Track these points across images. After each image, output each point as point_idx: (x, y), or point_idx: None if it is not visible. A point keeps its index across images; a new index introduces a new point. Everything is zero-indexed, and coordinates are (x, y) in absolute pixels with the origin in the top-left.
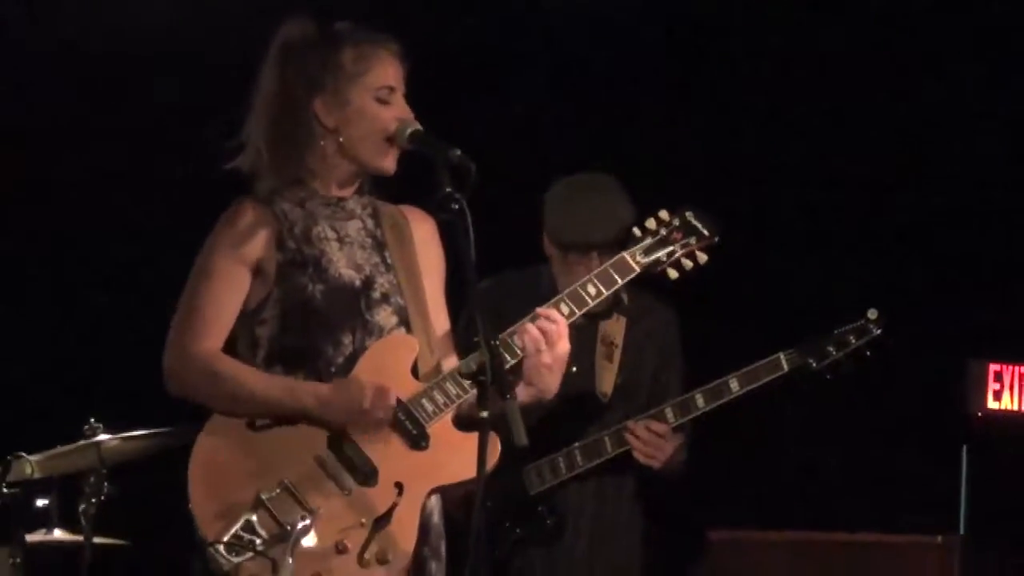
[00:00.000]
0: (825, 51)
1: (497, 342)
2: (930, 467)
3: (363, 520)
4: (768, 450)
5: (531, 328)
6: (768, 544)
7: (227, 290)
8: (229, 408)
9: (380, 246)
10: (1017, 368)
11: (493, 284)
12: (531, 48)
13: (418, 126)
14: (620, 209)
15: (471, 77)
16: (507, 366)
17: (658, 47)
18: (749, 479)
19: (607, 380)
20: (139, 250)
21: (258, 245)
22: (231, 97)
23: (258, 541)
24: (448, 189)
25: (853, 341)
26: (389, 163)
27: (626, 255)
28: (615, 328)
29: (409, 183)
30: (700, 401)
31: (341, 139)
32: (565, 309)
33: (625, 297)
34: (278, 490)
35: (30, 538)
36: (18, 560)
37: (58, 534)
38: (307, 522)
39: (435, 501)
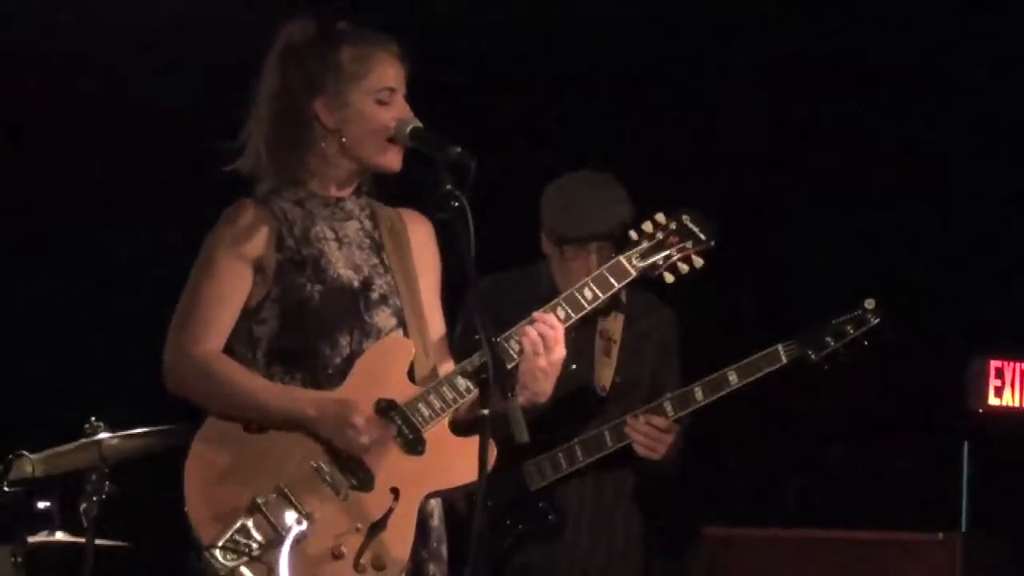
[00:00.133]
0: (826, 46)
1: (498, 340)
2: (931, 464)
3: (359, 525)
4: (769, 447)
5: (530, 331)
6: (769, 541)
7: (228, 290)
8: (226, 410)
9: (378, 247)
10: (1018, 365)
11: (490, 284)
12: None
13: (418, 123)
14: (618, 202)
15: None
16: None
17: (659, 42)
18: (750, 476)
19: (605, 376)
20: (141, 249)
21: (258, 244)
22: (231, 98)
23: (253, 545)
24: (448, 187)
25: (851, 331)
26: (393, 160)
27: (622, 259)
28: (613, 325)
29: (409, 183)
30: (699, 394)
31: (344, 139)
32: (561, 313)
33: (623, 294)
34: (274, 494)
35: (32, 540)
36: (19, 559)
37: (60, 536)
38: (302, 527)
39: (435, 504)
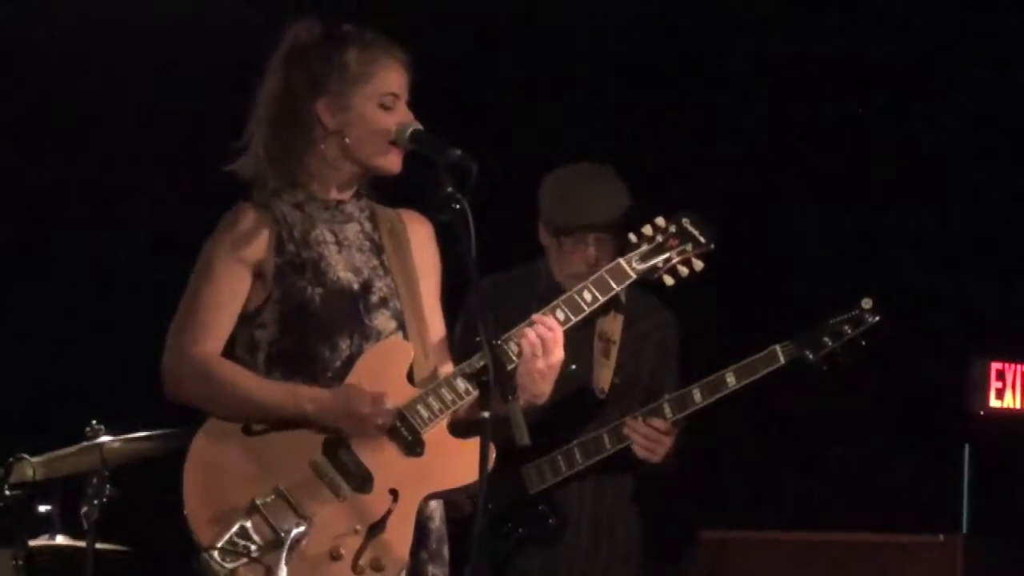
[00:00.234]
0: (826, 46)
1: (499, 342)
2: (932, 466)
3: (358, 527)
4: (769, 449)
5: (529, 333)
6: (770, 544)
7: (227, 293)
8: (227, 412)
9: (378, 250)
10: (1019, 367)
11: (489, 283)
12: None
13: (418, 125)
14: (617, 193)
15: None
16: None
17: (659, 42)
18: (750, 479)
19: (604, 377)
20: (141, 249)
21: (258, 247)
22: (232, 99)
23: (252, 547)
24: (449, 189)
25: (849, 331)
26: (393, 163)
27: (622, 261)
28: (612, 325)
29: (410, 185)
30: (697, 396)
31: (345, 140)
32: (561, 315)
33: (623, 295)
34: (273, 496)
35: (32, 543)
36: (20, 562)
37: (60, 540)
38: (301, 528)
39: (436, 505)
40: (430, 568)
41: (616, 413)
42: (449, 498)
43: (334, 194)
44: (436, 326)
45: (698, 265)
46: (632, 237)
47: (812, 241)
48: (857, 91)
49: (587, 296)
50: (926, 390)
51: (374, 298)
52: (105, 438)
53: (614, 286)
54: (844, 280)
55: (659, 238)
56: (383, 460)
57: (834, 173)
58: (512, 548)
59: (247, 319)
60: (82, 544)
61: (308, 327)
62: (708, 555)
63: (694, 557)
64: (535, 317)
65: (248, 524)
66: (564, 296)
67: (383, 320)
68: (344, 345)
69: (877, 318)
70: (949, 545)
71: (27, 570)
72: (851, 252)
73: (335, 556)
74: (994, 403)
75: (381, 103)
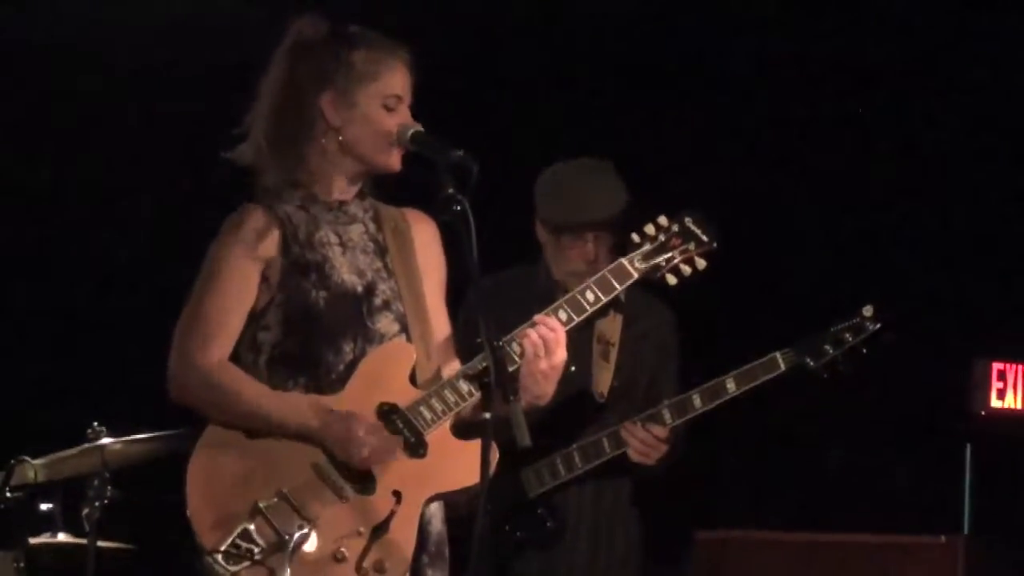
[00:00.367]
0: (826, 46)
1: (501, 344)
2: (933, 466)
3: (361, 529)
4: (771, 450)
5: (531, 334)
6: (771, 545)
7: (234, 297)
8: (230, 420)
9: (382, 251)
10: (1021, 367)
11: (488, 283)
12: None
13: (419, 127)
14: (615, 189)
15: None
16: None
17: (659, 42)
18: (752, 479)
19: (604, 380)
20: (141, 251)
21: (264, 250)
22: (232, 98)
23: (256, 550)
24: (450, 190)
25: (850, 339)
26: (394, 161)
27: (624, 261)
28: (611, 326)
29: (412, 185)
30: (697, 401)
31: (345, 138)
32: (563, 316)
33: (622, 295)
34: (276, 498)
35: (34, 541)
36: (21, 564)
37: (62, 538)
38: (305, 531)
39: (436, 507)
40: (430, 571)
41: (615, 417)
42: (451, 499)
43: (337, 195)
44: (440, 326)
45: (701, 264)
46: (635, 236)
47: (812, 241)
48: (857, 91)
49: (590, 296)
50: (927, 390)
51: (377, 301)
52: (106, 440)
53: (617, 286)
54: (844, 280)
55: (662, 237)
56: (386, 462)
57: (834, 173)
58: (511, 551)
59: (251, 320)
60: (83, 542)
61: (312, 330)
62: (709, 556)
63: (696, 559)
64: (537, 318)
65: (251, 526)
66: (566, 296)
67: (386, 323)
68: (347, 348)
69: (878, 326)
70: (950, 546)
71: (28, 570)
72: (851, 252)
73: (338, 558)
74: (995, 403)
75: (385, 104)
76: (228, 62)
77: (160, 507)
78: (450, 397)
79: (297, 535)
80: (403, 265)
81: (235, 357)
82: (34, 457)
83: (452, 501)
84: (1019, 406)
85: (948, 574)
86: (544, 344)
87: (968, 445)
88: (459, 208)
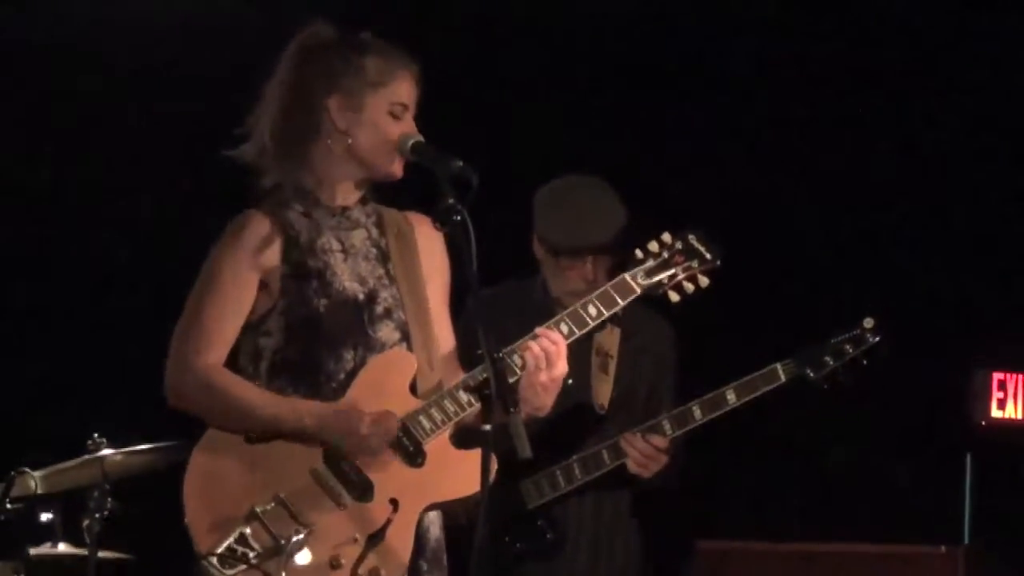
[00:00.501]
0: (826, 46)
1: (501, 355)
2: (934, 476)
3: (357, 536)
4: (771, 460)
5: (533, 346)
6: (771, 555)
7: (232, 303)
8: (227, 423)
9: (384, 257)
10: (1021, 377)
11: (487, 295)
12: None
13: (420, 137)
14: (612, 211)
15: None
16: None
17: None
18: (752, 489)
19: (603, 392)
20: (141, 251)
21: (265, 257)
22: (232, 98)
23: (251, 554)
24: (450, 200)
25: (850, 351)
26: (396, 168)
27: (627, 276)
28: (610, 339)
29: (413, 194)
30: (697, 413)
31: (350, 142)
32: (565, 329)
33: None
34: (273, 503)
35: (34, 552)
36: (22, 575)
37: (62, 549)
38: (301, 536)
39: (434, 514)
40: None
41: (615, 428)
42: (449, 509)
43: (340, 200)
44: (443, 334)
45: (704, 282)
46: (638, 252)
47: (812, 242)
48: (857, 91)
49: (592, 310)
50: (928, 400)
51: (379, 309)
52: (106, 451)
53: (619, 301)
54: (844, 281)
55: (665, 254)
56: (384, 469)
57: (834, 173)
58: (510, 562)
59: (251, 327)
60: (84, 552)
61: (313, 337)
62: (709, 566)
63: (697, 570)
64: (539, 330)
65: (247, 531)
66: (568, 310)
67: (387, 331)
68: (348, 356)
69: (878, 338)
70: (950, 556)
71: None
72: (851, 253)
73: (334, 565)
74: (995, 413)
75: (391, 111)
76: (228, 62)
77: (160, 519)
78: (449, 407)
79: (293, 540)
80: (406, 271)
81: (235, 364)
82: (34, 468)
83: (450, 510)
84: (1019, 416)
85: None
86: (546, 356)
87: (968, 455)
88: (459, 218)
